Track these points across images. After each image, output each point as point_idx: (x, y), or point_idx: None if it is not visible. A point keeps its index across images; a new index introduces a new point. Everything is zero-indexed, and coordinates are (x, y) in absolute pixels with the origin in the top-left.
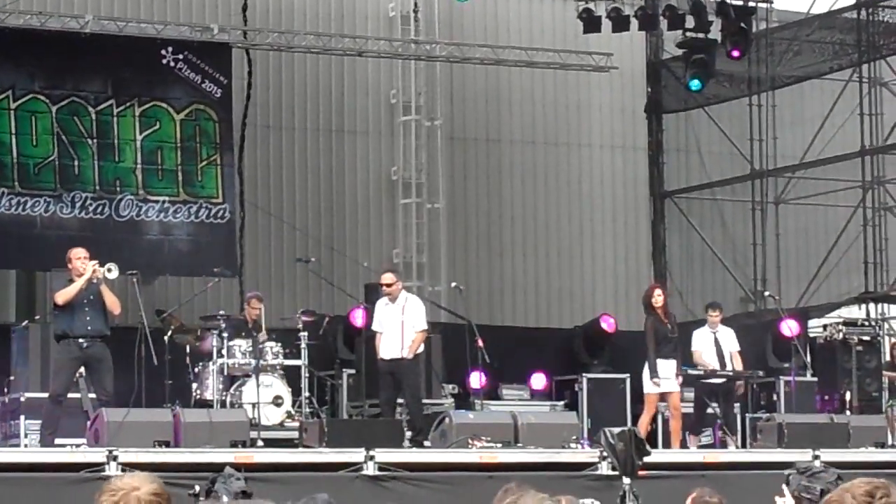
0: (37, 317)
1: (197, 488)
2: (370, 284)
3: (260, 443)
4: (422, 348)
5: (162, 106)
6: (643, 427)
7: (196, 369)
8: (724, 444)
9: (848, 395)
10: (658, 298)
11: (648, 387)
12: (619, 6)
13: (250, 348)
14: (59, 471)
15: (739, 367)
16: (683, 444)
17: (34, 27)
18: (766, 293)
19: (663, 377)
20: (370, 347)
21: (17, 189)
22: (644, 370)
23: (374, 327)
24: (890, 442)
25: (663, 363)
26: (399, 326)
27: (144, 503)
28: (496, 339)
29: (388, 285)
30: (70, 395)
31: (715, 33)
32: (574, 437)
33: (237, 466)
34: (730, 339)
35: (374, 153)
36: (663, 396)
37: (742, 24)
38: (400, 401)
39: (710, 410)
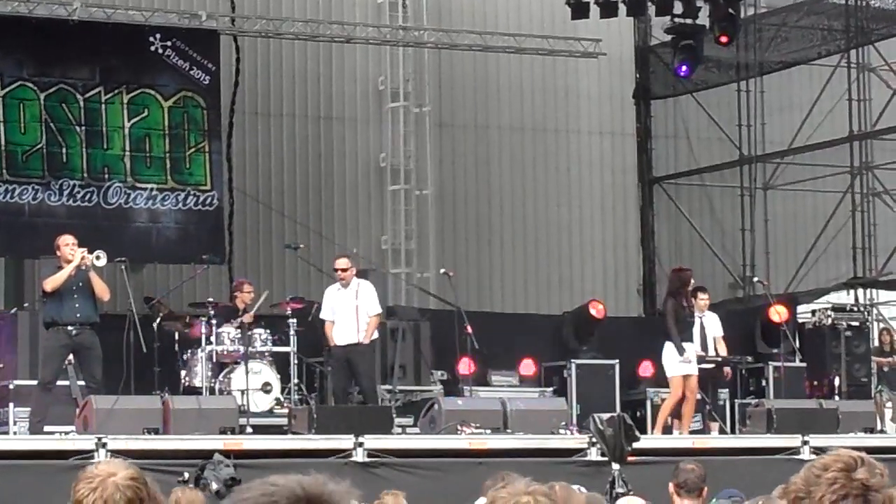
0: (25, 304)
1: (186, 475)
2: (360, 271)
3: (249, 429)
4: (376, 334)
5: (150, 93)
6: (665, 411)
7: (185, 356)
8: (708, 430)
9: (837, 381)
10: (692, 282)
11: (673, 369)
12: None
13: (239, 335)
14: (48, 458)
15: (724, 352)
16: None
17: (22, 14)
18: (755, 279)
19: (681, 360)
20: (322, 336)
21: (5, 176)
22: (664, 354)
23: (325, 315)
24: (879, 427)
25: (685, 346)
26: (353, 312)
27: (122, 488)
28: (485, 325)
29: (344, 270)
30: (59, 383)
31: (703, 19)
32: (563, 424)
33: (226, 453)
34: (714, 325)
35: (362, 140)
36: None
37: (730, 10)
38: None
39: (697, 396)
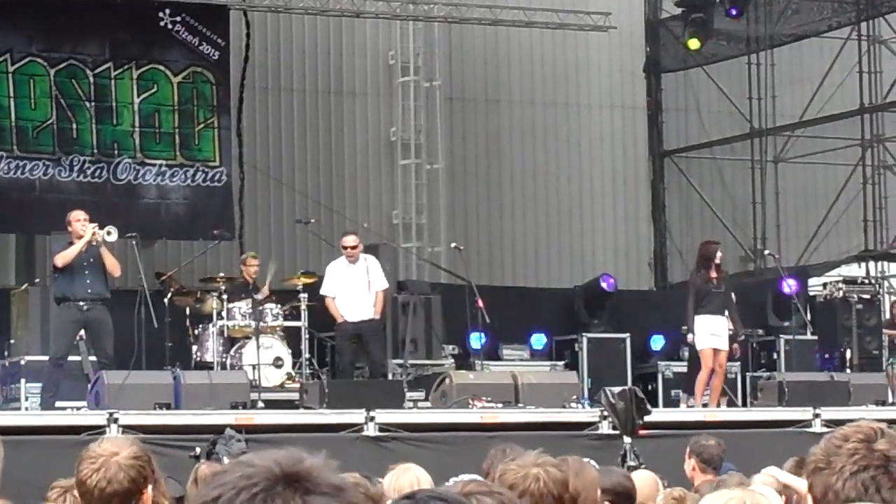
0: (36, 280)
1: (198, 450)
2: (369, 245)
3: (260, 404)
4: None
5: (159, 69)
6: (701, 384)
7: (196, 331)
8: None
9: (848, 353)
10: (719, 256)
11: (701, 342)
12: None
13: (250, 310)
14: (59, 433)
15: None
16: (731, 402)
17: None
18: (766, 252)
19: (712, 333)
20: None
21: (16, 152)
22: (695, 327)
23: (327, 291)
24: (890, 399)
25: (713, 319)
26: (366, 287)
27: (125, 468)
28: (496, 299)
29: (354, 247)
30: (70, 358)
31: None
32: (574, 397)
33: (238, 428)
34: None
35: (372, 114)
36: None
37: None
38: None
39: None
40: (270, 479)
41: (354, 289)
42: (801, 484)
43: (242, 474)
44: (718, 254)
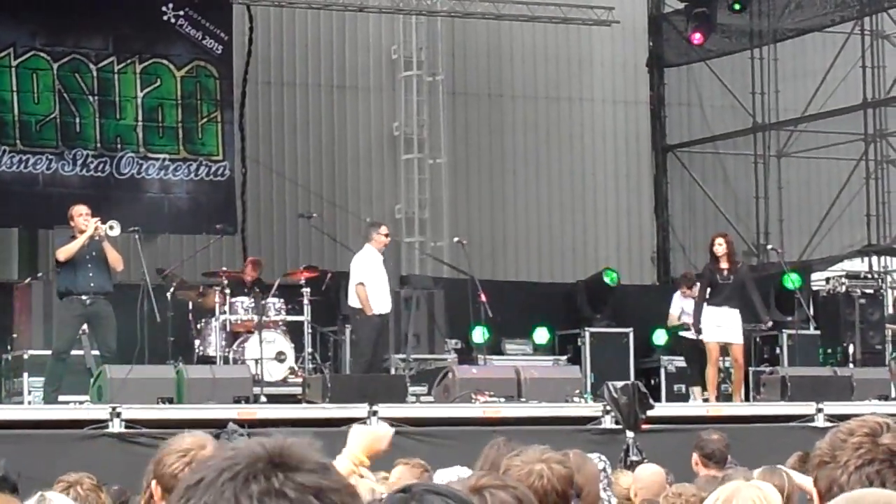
0: (39, 274)
1: None
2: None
3: (263, 399)
4: None
5: (163, 63)
6: (711, 380)
7: (198, 326)
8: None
9: (851, 348)
10: (719, 247)
11: (706, 335)
12: None
13: (252, 304)
14: (62, 427)
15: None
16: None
17: None
18: (769, 246)
19: (719, 325)
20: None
21: (19, 147)
22: (702, 319)
23: (363, 279)
24: (893, 394)
25: (719, 311)
26: (387, 280)
27: None
28: (499, 293)
29: (388, 236)
30: (73, 353)
31: None
32: (577, 392)
33: (240, 422)
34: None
35: (375, 109)
36: (725, 347)
37: None
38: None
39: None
40: (253, 460)
41: (382, 281)
42: (804, 480)
43: (226, 457)
44: (719, 245)
